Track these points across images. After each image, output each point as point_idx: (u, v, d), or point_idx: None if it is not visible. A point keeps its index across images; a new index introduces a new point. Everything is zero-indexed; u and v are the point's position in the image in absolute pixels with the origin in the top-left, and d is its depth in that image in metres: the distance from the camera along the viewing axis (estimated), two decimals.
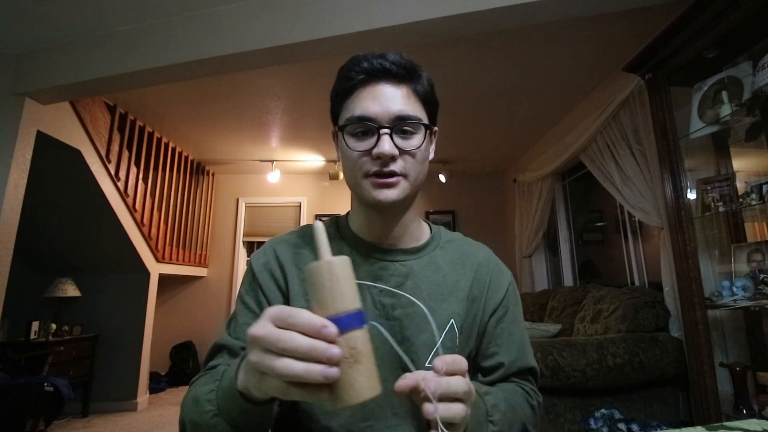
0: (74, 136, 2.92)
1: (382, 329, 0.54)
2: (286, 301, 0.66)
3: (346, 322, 0.37)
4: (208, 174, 5.11)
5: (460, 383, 0.44)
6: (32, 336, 3.23)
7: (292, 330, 0.36)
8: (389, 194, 0.61)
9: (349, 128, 0.63)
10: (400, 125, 0.61)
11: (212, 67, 2.26)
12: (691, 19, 1.66)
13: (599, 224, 4.16)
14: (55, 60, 2.39)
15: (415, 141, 0.63)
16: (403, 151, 0.62)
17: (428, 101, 0.66)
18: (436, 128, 0.70)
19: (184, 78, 2.39)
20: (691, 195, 1.85)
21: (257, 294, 0.66)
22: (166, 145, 4.20)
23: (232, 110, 3.53)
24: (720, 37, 1.60)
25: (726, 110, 1.68)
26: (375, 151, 0.60)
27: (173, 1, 2.15)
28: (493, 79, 3.01)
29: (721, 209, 1.79)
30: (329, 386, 0.36)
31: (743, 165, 1.90)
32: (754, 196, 1.64)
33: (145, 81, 2.38)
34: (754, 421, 0.64)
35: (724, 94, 1.69)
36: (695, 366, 1.72)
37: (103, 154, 3.21)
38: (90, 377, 3.55)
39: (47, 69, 2.40)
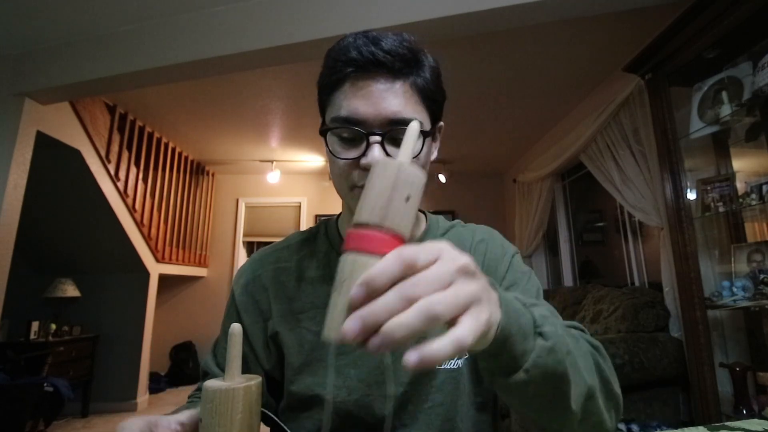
0: (74, 136, 2.92)
1: None
2: (266, 324, 0.64)
3: None
4: (208, 174, 5.11)
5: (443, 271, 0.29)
6: (32, 336, 3.23)
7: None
8: None
9: (335, 131, 0.55)
10: (393, 131, 0.53)
11: (212, 67, 2.26)
12: (691, 19, 1.65)
13: (599, 224, 4.16)
14: (55, 60, 2.39)
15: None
16: None
17: (430, 96, 0.57)
18: (441, 124, 0.62)
19: (184, 78, 2.39)
20: (691, 195, 1.85)
21: (234, 320, 0.63)
22: (166, 145, 4.20)
23: (232, 110, 3.53)
24: (720, 37, 1.60)
25: (726, 110, 1.68)
26: (363, 161, 0.53)
27: (173, 1, 2.15)
28: (493, 79, 3.01)
29: (721, 209, 1.79)
30: None
31: (743, 165, 1.89)
32: (754, 196, 1.64)
33: (145, 81, 2.38)
34: (756, 421, 0.64)
35: (724, 95, 1.69)
36: (695, 366, 1.71)
37: (103, 154, 3.21)
38: (90, 377, 3.55)
39: (47, 69, 2.40)
